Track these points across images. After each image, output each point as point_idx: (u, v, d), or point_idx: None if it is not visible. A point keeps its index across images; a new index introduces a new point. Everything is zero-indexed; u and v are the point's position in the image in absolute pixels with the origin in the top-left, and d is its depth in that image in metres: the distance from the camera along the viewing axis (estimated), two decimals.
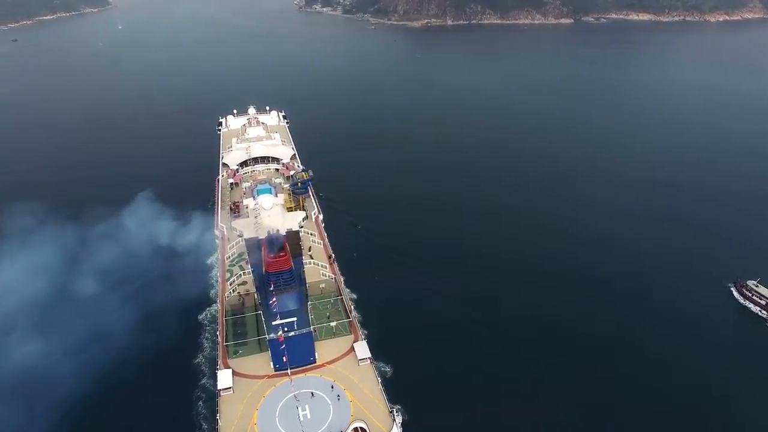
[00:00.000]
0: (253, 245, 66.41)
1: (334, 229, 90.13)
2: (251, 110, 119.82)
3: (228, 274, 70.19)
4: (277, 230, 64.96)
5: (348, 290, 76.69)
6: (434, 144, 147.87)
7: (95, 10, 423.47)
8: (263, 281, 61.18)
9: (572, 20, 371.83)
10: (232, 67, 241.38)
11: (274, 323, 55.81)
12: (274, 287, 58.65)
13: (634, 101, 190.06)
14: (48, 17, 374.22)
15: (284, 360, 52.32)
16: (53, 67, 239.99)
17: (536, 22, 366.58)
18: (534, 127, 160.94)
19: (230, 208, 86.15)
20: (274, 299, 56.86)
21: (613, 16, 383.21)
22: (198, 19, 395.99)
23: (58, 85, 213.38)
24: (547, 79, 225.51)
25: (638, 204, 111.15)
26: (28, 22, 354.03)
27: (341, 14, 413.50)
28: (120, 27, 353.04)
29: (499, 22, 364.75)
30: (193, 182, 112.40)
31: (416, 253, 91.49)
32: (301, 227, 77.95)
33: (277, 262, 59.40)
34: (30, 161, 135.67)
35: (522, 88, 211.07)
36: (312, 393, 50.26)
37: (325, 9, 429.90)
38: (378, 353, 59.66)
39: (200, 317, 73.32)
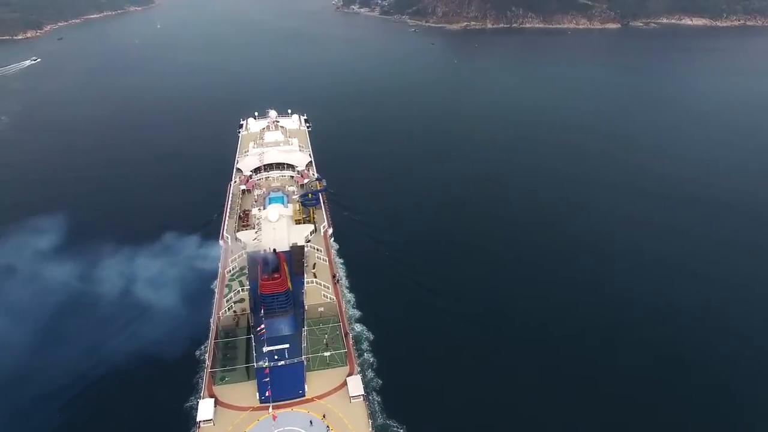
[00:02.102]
0: (254, 260, 62.07)
1: (349, 244, 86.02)
2: (272, 113, 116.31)
3: (226, 290, 65.99)
4: (273, 250, 60.16)
5: (356, 313, 71.27)
6: (469, 158, 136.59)
7: (140, 8, 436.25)
8: (258, 302, 56.71)
9: (619, 25, 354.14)
10: (263, 68, 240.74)
11: (264, 349, 51.33)
12: (265, 311, 53.96)
13: (692, 113, 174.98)
14: (95, 16, 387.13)
15: (267, 394, 47.85)
16: (88, 67, 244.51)
17: (581, 26, 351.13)
18: (578, 141, 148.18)
19: (239, 216, 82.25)
20: (262, 327, 52.16)
21: (664, 20, 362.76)
22: (236, 19, 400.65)
23: (90, 81, 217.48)
24: (593, 88, 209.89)
25: (711, 224, 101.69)
26: (77, 21, 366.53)
27: (378, 15, 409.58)
28: (159, 26, 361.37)
29: (541, 26, 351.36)
30: (209, 187, 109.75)
31: (443, 284, 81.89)
32: (308, 242, 73.14)
33: (271, 284, 54.64)
34: (49, 160, 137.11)
35: (565, 98, 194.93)
36: None
37: (362, 9, 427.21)
38: (376, 388, 54.52)
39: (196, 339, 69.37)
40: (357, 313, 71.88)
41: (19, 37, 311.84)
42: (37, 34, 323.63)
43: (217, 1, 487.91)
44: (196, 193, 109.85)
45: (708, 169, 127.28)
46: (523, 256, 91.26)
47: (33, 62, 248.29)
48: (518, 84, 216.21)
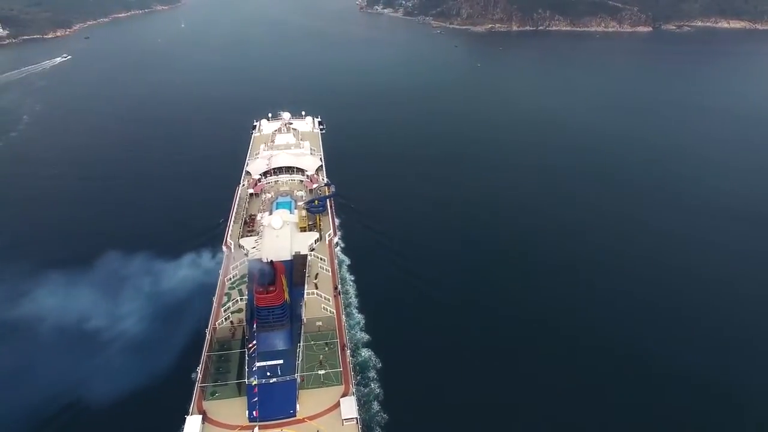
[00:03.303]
0: (255, 269, 59.49)
1: (361, 257, 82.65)
2: (285, 115, 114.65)
3: (225, 299, 63.72)
4: (270, 261, 57.33)
5: (364, 337, 66.87)
6: (490, 165, 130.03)
7: (166, 7, 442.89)
8: (254, 314, 54.08)
9: (651, 28, 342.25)
10: (282, 68, 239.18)
11: (258, 364, 48.75)
12: (258, 325, 51.37)
13: (734, 121, 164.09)
14: (123, 15, 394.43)
15: (255, 414, 45.39)
16: (110, 66, 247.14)
17: (610, 29, 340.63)
18: (605, 150, 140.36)
19: (244, 221, 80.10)
20: (253, 344, 49.49)
21: (699, 23, 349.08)
22: (260, 18, 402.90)
23: (110, 80, 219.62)
24: (624, 95, 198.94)
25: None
26: (105, 20, 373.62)
27: (402, 16, 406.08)
28: (183, 25, 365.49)
29: (568, 29, 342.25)
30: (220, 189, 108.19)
31: (468, 309, 75.30)
32: (312, 250, 70.35)
33: (266, 297, 51.89)
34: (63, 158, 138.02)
35: (593, 105, 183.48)
36: None
37: (386, 10, 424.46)
38: (380, 424, 51.30)
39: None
40: (365, 336, 66.78)
41: (49, 36, 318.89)
42: (66, 33, 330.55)
43: (242, 1, 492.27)
44: (206, 195, 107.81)
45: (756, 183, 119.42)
46: (560, 273, 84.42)
47: (63, 59, 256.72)
48: (543, 90, 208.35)
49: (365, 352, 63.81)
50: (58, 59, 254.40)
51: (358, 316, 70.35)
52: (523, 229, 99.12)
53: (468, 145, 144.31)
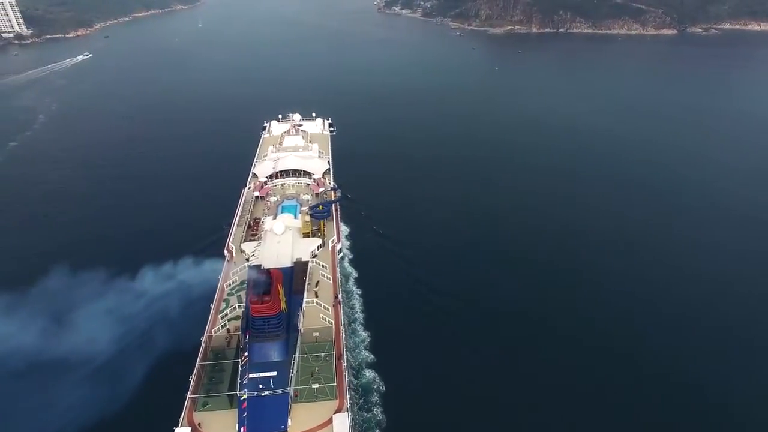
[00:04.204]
0: (251, 277, 57.38)
1: (369, 267, 79.73)
2: (296, 116, 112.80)
3: (223, 305, 61.67)
4: (268, 270, 55.09)
5: (368, 357, 63.70)
6: (506, 172, 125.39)
7: (185, 7, 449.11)
8: (249, 324, 51.94)
9: (675, 31, 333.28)
10: (296, 69, 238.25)
11: (250, 376, 46.56)
12: (250, 336, 49.17)
13: (763, 133, 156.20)
14: (143, 14, 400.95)
15: (243, 430, 43.24)
16: (126, 65, 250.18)
17: (633, 32, 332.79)
18: (628, 163, 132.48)
19: (248, 225, 78.14)
20: (245, 356, 47.30)
21: (727, 26, 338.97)
22: (277, 18, 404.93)
23: (126, 79, 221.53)
24: (650, 101, 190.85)
25: None
26: (126, 19, 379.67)
27: (420, 17, 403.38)
28: (200, 25, 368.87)
29: (590, 31, 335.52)
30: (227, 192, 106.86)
31: (483, 326, 70.15)
32: (314, 257, 67.95)
33: (261, 307, 49.66)
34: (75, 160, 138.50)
35: (617, 113, 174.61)
36: None
37: (404, 11, 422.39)
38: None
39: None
40: (369, 356, 63.39)
41: (71, 36, 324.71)
42: (87, 32, 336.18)
43: (260, 1, 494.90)
44: (214, 196, 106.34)
45: None
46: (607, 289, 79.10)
47: (85, 57, 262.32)
48: (562, 95, 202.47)
49: (369, 373, 60.51)
50: (80, 57, 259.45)
51: (363, 334, 67.15)
52: (550, 240, 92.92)
53: (485, 150, 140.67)
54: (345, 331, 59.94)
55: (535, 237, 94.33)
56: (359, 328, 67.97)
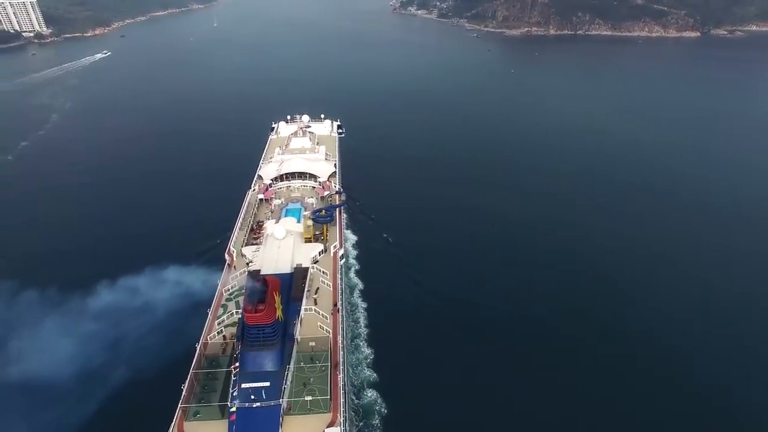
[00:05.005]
0: (247, 285, 55.66)
1: (375, 278, 76.70)
2: (304, 118, 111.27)
3: (221, 310, 60.04)
4: (263, 278, 53.25)
5: (371, 376, 60.93)
6: (520, 179, 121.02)
7: (202, 6, 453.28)
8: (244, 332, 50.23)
9: (699, 33, 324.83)
10: (308, 69, 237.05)
11: (242, 386, 45.19)
12: (245, 344, 47.47)
13: None
14: (160, 13, 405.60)
15: None
16: (141, 63, 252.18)
17: (653, 35, 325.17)
18: (653, 178, 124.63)
19: (251, 228, 76.56)
20: (236, 366, 45.62)
21: (754, 28, 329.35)
22: (292, 18, 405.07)
23: (139, 79, 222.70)
24: (675, 109, 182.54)
25: None
26: (143, 18, 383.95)
27: (436, 18, 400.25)
28: (215, 24, 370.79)
29: (609, 33, 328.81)
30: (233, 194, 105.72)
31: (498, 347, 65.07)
32: (316, 263, 66.01)
33: (255, 316, 47.88)
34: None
35: (638, 121, 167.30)
36: None
37: (419, 12, 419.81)
38: None
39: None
40: (372, 375, 60.35)
41: (89, 35, 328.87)
42: (105, 31, 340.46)
43: (276, 0, 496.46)
44: (220, 198, 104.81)
45: None
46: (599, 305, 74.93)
47: (104, 55, 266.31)
48: (579, 99, 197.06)
49: (371, 394, 57.63)
50: (99, 55, 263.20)
51: (366, 350, 64.34)
52: (569, 248, 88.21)
53: (505, 154, 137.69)
54: (344, 342, 57.79)
55: (566, 252, 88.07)
56: (362, 344, 65.09)
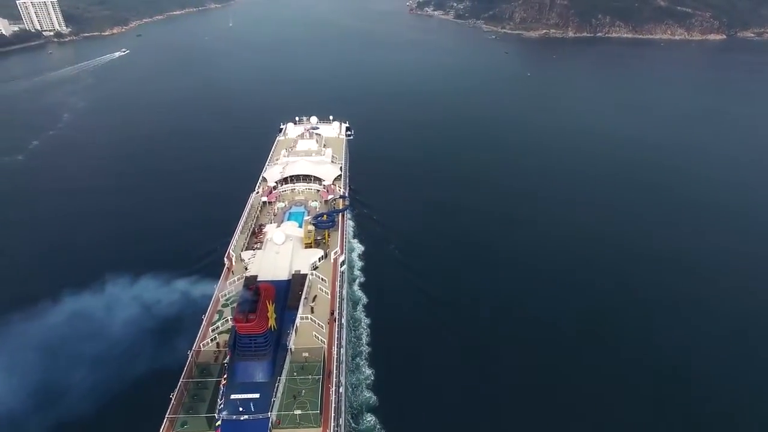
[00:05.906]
0: (240, 291, 53.54)
1: (380, 291, 73.67)
2: (312, 119, 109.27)
3: (216, 316, 57.94)
4: (255, 286, 51.03)
5: (370, 398, 57.91)
6: (537, 195, 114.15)
7: (219, 5, 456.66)
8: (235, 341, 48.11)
9: (724, 36, 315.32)
10: (322, 70, 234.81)
11: (231, 397, 43.28)
12: (234, 354, 45.35)
13: None
14: (177, 12, 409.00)
15: None
16: (156, 62, 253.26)
17: (676, 37, 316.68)
18: (667, 180, 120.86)
19: (252, 231, 74.64)
20: (224, 377, 43.58)
21: None
22: (308, 18, 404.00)
23: (153, 78, 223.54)
24: (701, 116, 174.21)
25: None
26: (160, 17, 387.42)
27: (452, 19, 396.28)
28: (230, 24, 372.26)
29: (629, 36, 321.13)
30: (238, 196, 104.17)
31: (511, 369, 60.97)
32: (315, 269, 63.65)
33: (246, 326, 45.69)
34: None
35: (660, 128, 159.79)
36: None
37: (436, 12, 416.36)
38: None
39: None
40: (372, 398, 57.09)
41: (106, 34, 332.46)
42: (123, 29, 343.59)
43: (292, 0, 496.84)
44: (225, 200, 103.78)
45: None
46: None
47: (123, 53, 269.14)
48: (598, 103, 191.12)
49: (369, 419, 54.58)
50: (117, 54, 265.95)
51: (367, 371, 61.13)
52: (606, 265, 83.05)
53: (508, 159, 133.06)
54: (342, 355, 55.26)
55: (589, 264, 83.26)
56: (363, 363, 61.86)
